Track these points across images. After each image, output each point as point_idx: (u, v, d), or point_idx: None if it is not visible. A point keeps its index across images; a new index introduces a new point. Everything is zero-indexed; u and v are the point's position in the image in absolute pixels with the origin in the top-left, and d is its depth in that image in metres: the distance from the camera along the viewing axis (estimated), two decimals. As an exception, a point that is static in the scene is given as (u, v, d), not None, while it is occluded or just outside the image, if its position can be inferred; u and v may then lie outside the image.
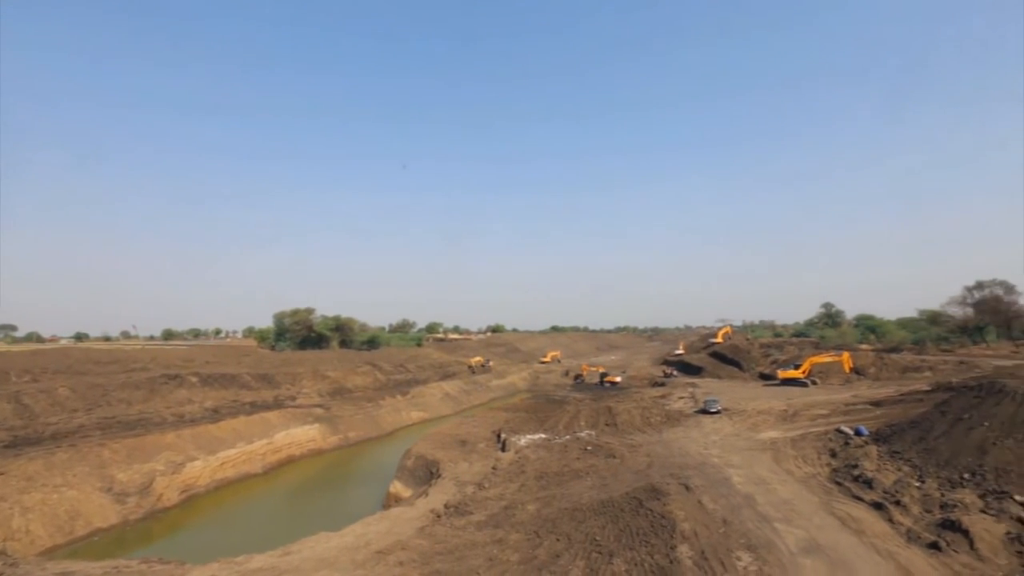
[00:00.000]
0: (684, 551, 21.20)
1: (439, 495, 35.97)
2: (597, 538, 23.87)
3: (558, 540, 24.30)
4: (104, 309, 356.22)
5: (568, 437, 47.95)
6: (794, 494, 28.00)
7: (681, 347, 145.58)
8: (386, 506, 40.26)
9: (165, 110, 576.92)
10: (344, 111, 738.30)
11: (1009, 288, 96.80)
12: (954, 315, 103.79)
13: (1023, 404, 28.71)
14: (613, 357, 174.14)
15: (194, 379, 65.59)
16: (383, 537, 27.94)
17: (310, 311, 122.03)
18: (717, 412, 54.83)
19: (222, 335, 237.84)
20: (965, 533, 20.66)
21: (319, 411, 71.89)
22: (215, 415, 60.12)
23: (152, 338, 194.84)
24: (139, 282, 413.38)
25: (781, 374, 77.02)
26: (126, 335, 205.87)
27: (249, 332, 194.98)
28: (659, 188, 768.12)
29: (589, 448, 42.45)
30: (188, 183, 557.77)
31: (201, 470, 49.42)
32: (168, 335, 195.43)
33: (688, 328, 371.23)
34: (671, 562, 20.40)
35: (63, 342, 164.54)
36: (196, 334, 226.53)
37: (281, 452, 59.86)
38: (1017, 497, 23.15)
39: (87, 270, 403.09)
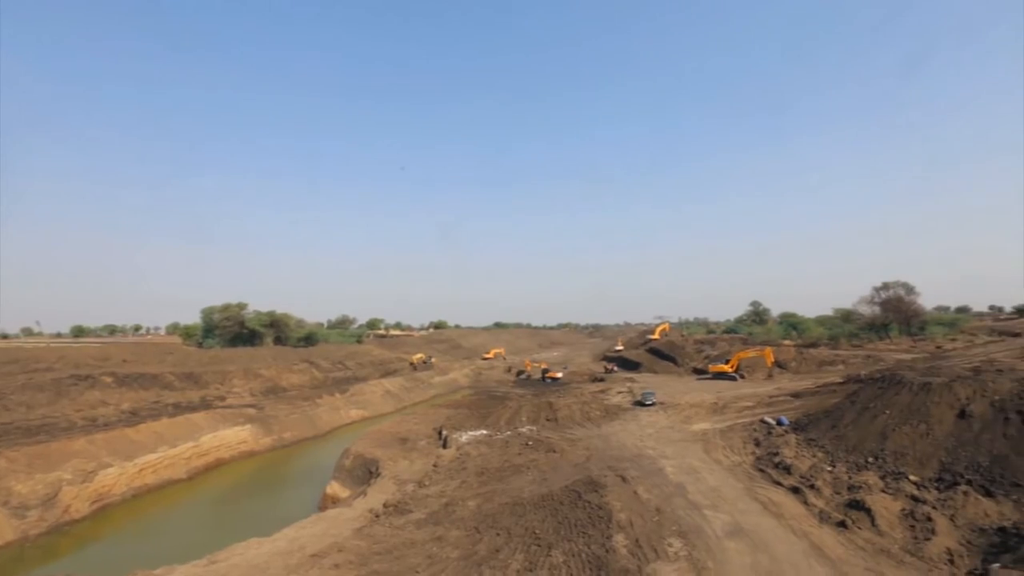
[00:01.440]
0: (620, 540, 21.93)
1: (378, 494, 35.23)
2: (537, 531, 24.23)
3: (498, 535, 24.45)
4: (2, 303, 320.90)
5: (510, 433, 48.32)
6: (721, 482, 29.60)
7: (620, 343, 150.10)
8: (322, 508, 38.98)
9: (82, 82, 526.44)
10: (282, 87, 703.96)
11: (909, 289, 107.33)
12: (864, 313, 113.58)
13: (918, 394, 31.78)
14: (555, 353, 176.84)
15: (109, 379, 60.67)
16: (318, 540, 27.03)
17: (242, 306, 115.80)
18: (652, 404, 57.22)
19: (142, 332, 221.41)
20: (868, 511, 22.68)
21: (251, 411, 68.47)
22: (133, 418, 55.80)
23: (59, 335, 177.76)
24: (44, 273, 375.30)
25: (712, 368, 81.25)
26: (28, 332, 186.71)
27: (174, 328, 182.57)
28: (596, 187, 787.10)
29: (530, 443, 42.98)
30: (101, 164, 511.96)
31: (116, 478, 45.77)
32: (78, 332, 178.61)
33: (628, 325, 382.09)
34: (607, 551, 21.04)
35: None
36: (112, 331, 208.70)
37: (208, 455, 56.49)
38: (911, 477, 25.69)
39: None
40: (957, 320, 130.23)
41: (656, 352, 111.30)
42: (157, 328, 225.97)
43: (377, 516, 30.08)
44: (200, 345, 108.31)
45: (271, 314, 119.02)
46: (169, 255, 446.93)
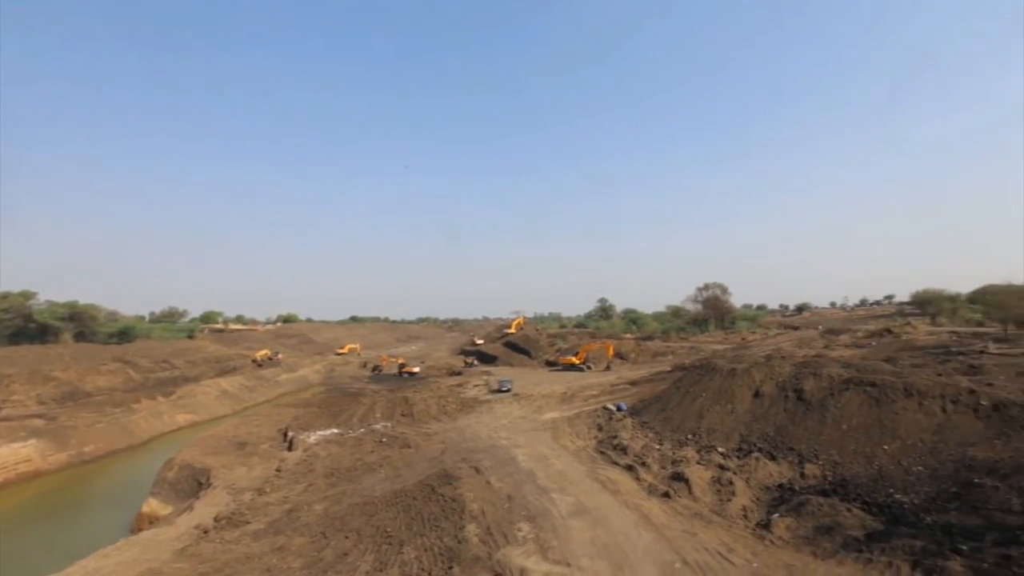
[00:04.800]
0: (472, 530, 22.25)
1: (208, 508, 31.30)
2: (388, 529, 23.55)
3: (347, 538, 23.27)
4: None
5: (363, 430, 46.39)
6: (567, 466, 31.66)
7: (479, 338, 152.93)
8: (135, 530, 33.48)
9: None
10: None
11: (724, 289, 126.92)
12: (689, 310, 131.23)
13: (727, 378, 37.38)
14: (413, 347, 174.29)
15: None
16: (128, 568, 23.15)
17: (28, 295, 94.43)
18: (508, 390, 60.30)
19: None
20: (686, 482, 26.04)
21: (38, 423, 56.29)
22: None
23: None
24: None
25: (562, 360, 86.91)
26: None
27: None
28: (457, 185, 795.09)
29: (384, 440, 41.74)
30: None
31: None
32: None
33: (486, 319, 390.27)
34: (459, 542, 21.20)
35: None
36: None
37: (-28, 480, 45.18)
38: (719, 449, 30.14)
39: None
40: (757, 316, 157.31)
41: (512, 346, 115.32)
42: None
43: (206, 532, 26.72)
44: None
45: (71, 305, 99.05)
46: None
